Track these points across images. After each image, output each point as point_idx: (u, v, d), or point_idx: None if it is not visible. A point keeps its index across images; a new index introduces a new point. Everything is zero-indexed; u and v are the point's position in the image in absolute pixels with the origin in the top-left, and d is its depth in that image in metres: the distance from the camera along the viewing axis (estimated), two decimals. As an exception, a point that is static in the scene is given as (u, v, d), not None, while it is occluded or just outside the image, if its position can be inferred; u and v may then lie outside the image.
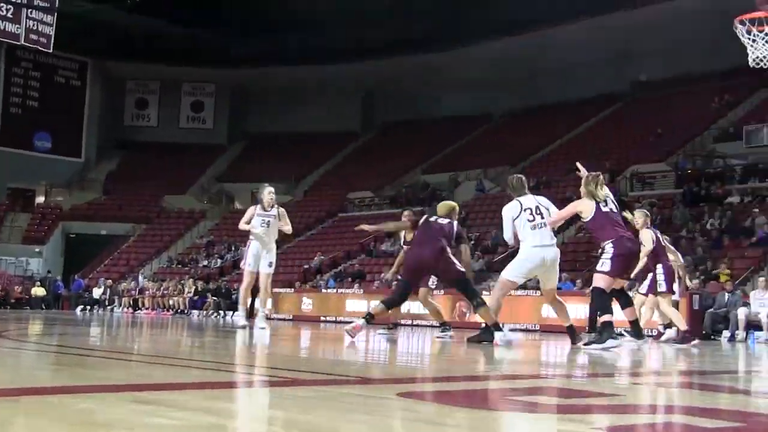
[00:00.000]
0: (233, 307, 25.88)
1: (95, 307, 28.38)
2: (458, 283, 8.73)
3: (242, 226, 11.01)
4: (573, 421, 2.90)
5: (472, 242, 26.37)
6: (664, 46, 34.44)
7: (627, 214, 9.42)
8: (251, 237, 10.88)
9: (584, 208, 8.03)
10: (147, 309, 27.11)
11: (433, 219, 8.83)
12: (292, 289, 25.66)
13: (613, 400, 3.61)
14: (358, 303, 22.69)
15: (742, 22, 11.28)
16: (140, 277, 30.92)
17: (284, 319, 22.84)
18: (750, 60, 11.45)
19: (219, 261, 33.01)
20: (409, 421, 2.69)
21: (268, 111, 45.06)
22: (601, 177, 8.29)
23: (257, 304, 11.45)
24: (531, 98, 39.06)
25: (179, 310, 26.42)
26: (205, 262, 33.11)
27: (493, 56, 37.97)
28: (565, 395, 3.72)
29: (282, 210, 11.10)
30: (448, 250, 8.54)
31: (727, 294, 16.52)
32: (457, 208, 9.53)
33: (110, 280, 30.50)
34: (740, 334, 16.08)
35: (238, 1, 38.88)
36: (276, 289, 25.63)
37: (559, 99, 38.07)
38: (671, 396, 4.09)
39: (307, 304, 23.88)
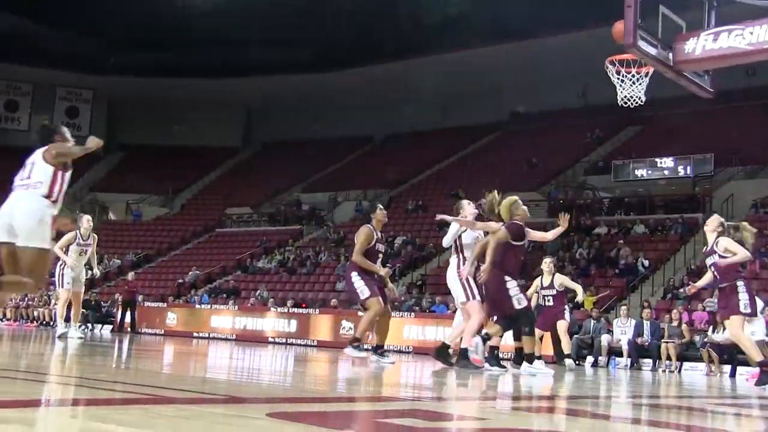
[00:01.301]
0: (103, 319, 25.05)
1: (-49, 317, 26.85)
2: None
3: (57, 251, 11.69)
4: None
5: (349, 262, 26.52)
6: (541, 79, 35.69)
7: None
8: (67, 261, 12.10)
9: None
10: (8, 320, 25.85)
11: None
12: (165, 304, 25.06)
13: (482, 424, 3.69)
14: (228, 319, 22.39)
15: (612, 63, 11.83)
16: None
17: (154, 334, 22.26)
18: (619, 99, 12.02)
19: (89, 272, 31.85)
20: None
21: (147, 122, 43.98)
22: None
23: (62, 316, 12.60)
24: (411, 123, 39.72)
25: (44, 322, 25.31)
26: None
27: (375, 80, 38.38)
28: (434, 418, 3.78)
29: (95, 237, 12.51)
30: None
31: (592, 321, 17.20)
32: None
33: (-31, 290, 28.93)
34: (602, 359, 16.76)
35: (120, 11, 37.84)
36: (147, 303, 25.01)
37: (439, 125, 38.91)
38: (531, 421, 4.21)
39: (176, 319, 23.38)
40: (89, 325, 24.60)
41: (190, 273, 29.66)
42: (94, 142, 6.40)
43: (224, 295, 26.23)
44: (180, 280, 29.28)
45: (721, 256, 8.76)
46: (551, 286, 12.66)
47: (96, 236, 12.60)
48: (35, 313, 25.88)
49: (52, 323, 25.09)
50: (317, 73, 39.11)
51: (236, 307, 23.49)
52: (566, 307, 13.26)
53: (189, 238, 35.29)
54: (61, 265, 12.23)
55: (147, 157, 42.08)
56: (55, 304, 25.94)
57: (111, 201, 40.71)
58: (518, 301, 8.54)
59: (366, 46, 37.06)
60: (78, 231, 12.16)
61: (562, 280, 13.10)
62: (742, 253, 8.74)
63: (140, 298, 24.89)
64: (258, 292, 25.65)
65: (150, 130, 43.60)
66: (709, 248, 8.95)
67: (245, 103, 44.09)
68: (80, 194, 41.22)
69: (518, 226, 8.73)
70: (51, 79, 43.30)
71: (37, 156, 6.29)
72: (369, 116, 40.44)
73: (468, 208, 9.34)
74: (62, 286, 12.29)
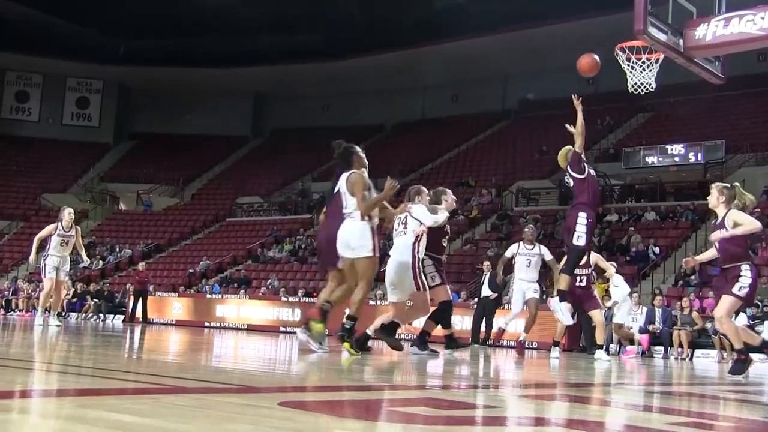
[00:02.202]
0: (114, 310, 25.18)
1: (-36, 308, 27.06)
2: None
3: (35, 242, 12.82)
4: None
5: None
6: (551, 66, 35.51)
7: None
8: (49, 252, 12.60)
9: None
10: (21, 311, 26.00)
11: None
12: (176, 294, 25.16)
13: (492, 412, 3.69)
14: (239, 309, 22.46)
15: (622, 50, 11.76)
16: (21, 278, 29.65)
17: (165, 324, 22.35)
18: (629, 86, 11.94)
19: (101, 262, 32.01)
20: (286, 431, 2.68)
21: (157, 111, 44.08)
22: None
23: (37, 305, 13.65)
24: (421, 111, 39.60)
25: (56, 313, 25.44)
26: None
27: (385, 68, 38.31)
28: (446, 407, 3.78)
29: (78, 229, 12.97)
30: None
31: (604, 309, 17.16)
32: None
33: (-19, 280, 29.20)
34: (613, 347, 16.74)
35: (130, 0, 37.85)
36: (158, 293, 25.12)
37: (450, 113, 38.79)
38: (540, 408, 4.21)
39: (187, 309, 23.47)
40: (101, 315, 24.74)
41: (201, 263, 29.75)
42: (389, 186, 7.69)
43: (235, 285, 26.31)
44: (191, 270, 29.38)
45: (727, 231, 7.86)
46: (587, 264, 11.38)
47: (79, 228, 13.05)
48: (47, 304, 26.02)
49: (64, 314, 25.26)
50: (327, 61, 39.07)
51: (247, 296, 23.56)
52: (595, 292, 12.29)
53: (199, 228, 35.38)
54: (44, 257, 12.78)
55: (157, 146, 42.19)
56: (67, 294, 26.24)
57: (121, 191, 40.85)
58: (432, 279, 8.74)
59: (376, 34, 36.96)
60: (59, 223, 12.66)
61: (596, 259, 12.14)
62: (750, 224, 7.80)
63: (151, 288, 25.00)
64: (269, 281, 25.72)
65: (160, 120, 43.70)
66: (719, 221, 8.02)
67: (255, 91, 44.06)
68: (90, 184, 41.37)
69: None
70: (61, 69, 43.37)
71: (343, 184, 7.65)
72: (379, 104, 40.40)
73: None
74: (45, 276, 12.79)
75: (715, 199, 8.04)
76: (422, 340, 8.85)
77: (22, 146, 41.61)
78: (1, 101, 44.41)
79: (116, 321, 23.64)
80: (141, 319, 22.71)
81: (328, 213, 7.86)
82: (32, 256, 12.97)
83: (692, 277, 20.45)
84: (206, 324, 22.07)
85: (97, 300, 25.68)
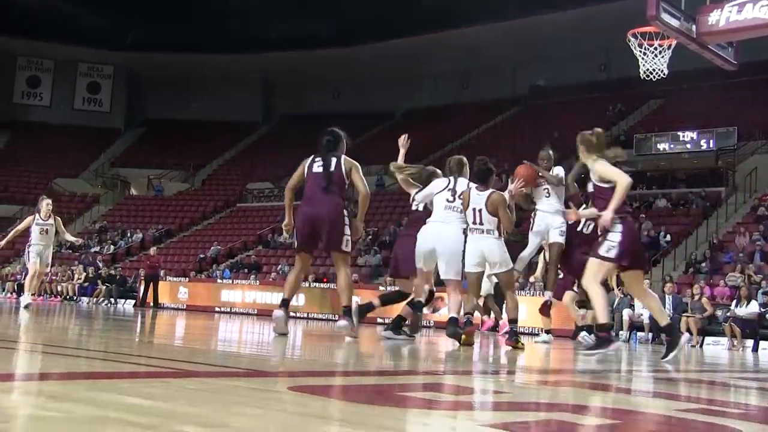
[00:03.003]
0: (126, 294, 25.31)
1: (-24, 291, 27.27)
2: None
3: (11, 235, 13.99)
4: (461, 418, 2.97)
5: (370, 237, 26.58)
6: (561, 53, 35.37)
7: None
8: (31, 240, 13.27)
9: None
10: (33, 295, 26.11)
11: None
12: (187, 279, 25.26)
13: (501, 397, 3.70)
14: (250, 294, 22.54)
15: (634, 36, 11.71)
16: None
17: (176, 309, 22.45)
18: (641, 72, 11.90)
19: (112, 247, 32.15)
20: (296, 415, 2.69)
21: (167, 97, 44.12)
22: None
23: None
24: (432, 98, 39.49)
25: (68, 297, 25.62)
26: (97, 248, 32.18)
27: (395, 55, 38.20)
28: (455, 392, 3.80)
29: (58, 219, 13.59)
30: None
31: (616, 297, 17.15)
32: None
33: (-6, 264, 29.40)
34: (624, 334, 16.73)
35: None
36: (169, 278, 25.22)
37: (460, 100, 38.69)
38: (555, 394, 4.22)
39: (198, 294, 23.57)
40: (112, 299, 24.88)
41: (212, 248, 29.85)
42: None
43: (245, 270, 26.38)
44: (201, 255, 29.47)
45: (596, 186, 7.04)
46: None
47: (59, 218, 13.80)
48: (59, 288, 26.19)
49: (75, 297, 25.43)
50: (338, 47, 38.97)
51: (257, 281, 23.64)
52: None
53: (210, 214, 35.46)
54: (27, 245, 13.57)
55: (168, 132, 42.24)
56: (78, 279, 26.42)
57: (132, 176, 40.97)
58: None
59: (386, 21, 36.86)
60: (38, 213, 13.34)
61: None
62: (617, 176, 6.85)
63: (162, 272, 25.10)
64: (279, 266, 25.78)
65: (171, 105, 43.75)
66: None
67: (265, 77, 44.02)
68: (102, 169, 41.50)
69: None
70: (72, 54, 43.41)
71: (480, 203, 8.00)
72: (389, 91, 40.32)
73: None
74: (29, 261, 13.53)
75: (579, 152, 7.29)
76: (397, 324, 8.72)
77: (34, 131, 41.74)
78: (13, 86, 44.52)
79: (127, 305, 23.76)
80: (152, 304, 22.82)
81: (315, 189, 7.68)
82: (2, 243, 14.04)
83: (703, 265, 20.41)
84: (216, 309, 22.15)
85: (108, 284, 25.81)
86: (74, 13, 40.14)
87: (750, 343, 15.69)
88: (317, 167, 7.71)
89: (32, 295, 13.84)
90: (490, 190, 8.07)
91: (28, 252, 13.49)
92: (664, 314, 7.42)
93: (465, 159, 8.62)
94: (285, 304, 7.84)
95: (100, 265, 28.20)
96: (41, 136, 41.33)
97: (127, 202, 38.63)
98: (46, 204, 13.37)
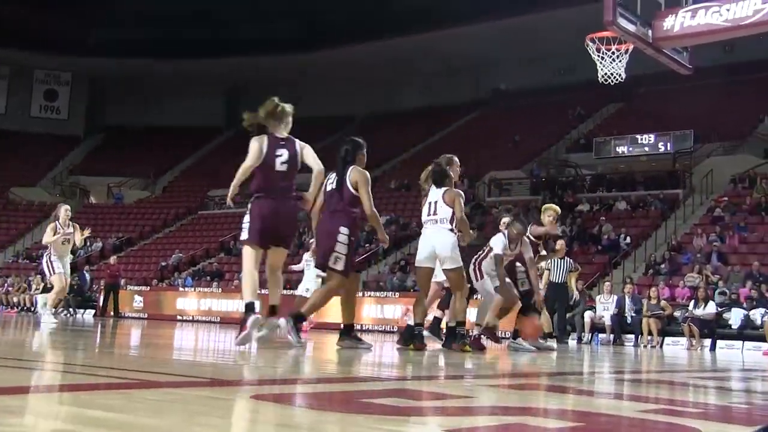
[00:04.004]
0: (85, 304, 24.95)
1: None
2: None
3: (47, 237, 12.72)
4: (425, 423, 2.97)
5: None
6: (524, 57, 35.67)
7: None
8: (51, 251, 12.57)
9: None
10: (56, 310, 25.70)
11: None
12: (147, 287, 25.01)
13: (461, 401, 3.71)
14: (212, 302, 22.38)
15: (592, 40, 11.85)
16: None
17: (137, 318, 22.20)
18: (599, 76, 12.04)
19: (71, 256, 31.66)
20: (259, 424, 2.68)
21: (127, 103, 43.66)
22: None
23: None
24: (393, 102, 39.58)
25: (25, 308, 25.20)
26: (55, 258, 31.67)
27: (358, 59, 38.25)
28: (420, 397, 3.80)
29: (76, 225, 12.95)
30: None
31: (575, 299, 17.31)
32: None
33: (-52, 275, 28.80)
34: (586, 336, 16.89)
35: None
36: (130, 287, 24.94)
37: (421, 104, 38.82)
38: (517, 397, 4.25)
39: (159, 302, 23.36)
40: (71, 309, 24.52)
41: (173, 256, 29.59)
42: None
43: (208, 278, 26.19)
44: (163, 263, 29.20)
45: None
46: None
47: (77, 225, 12.99)
48: (15, 299, 25.76)
49: (32, 309, 25.00)
50: (300, 53, 38.94)
51: (220, 289, 23.48)
52: None
53: (171, 221, 35.17)
54: (47, 254, 12.71)
55: (128, 139, 41.84)
56: (36, 289, 25.97)
57: (92, 184, 40.46)
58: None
59: (348, 26, 36.89)
60: (57, 221, 12.57)
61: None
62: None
63: (123, 281, 24.81)
64: (241, 274, 25.61)
65: (131, 112, 43.32)
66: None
67: (228, 82, 43.78)
68: (60, 177, 40.93)
69: None
70: (28, 61, 42.76)
71: (437, 196, 8.21)
72: (350, 96, 40.32)
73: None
74: (54, 273, 12.61)
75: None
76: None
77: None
78: (-33, 94, 43.77)
79: (87, 315, 23.44)
80: (112, 314, 22.55)
81: (328, 207, 7.76)
82: (57, 249, 12.69)
83: (662, 266, 20.68)
84: (179, 318, 21.96)
85: (67, 294, 25.43)
86: (31, 18, 39.55)
87: (708, 342, 15.94)
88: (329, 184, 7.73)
89: (53, 309, 13.06)
90: (447, 188, 8.26)
91: (50, 264, 12.59)
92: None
93: (435, 167, 8.70)
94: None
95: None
96: (-5, 142, 40.66)
97: (86, 210, 38.14)
98: (64, 210, 12.72)
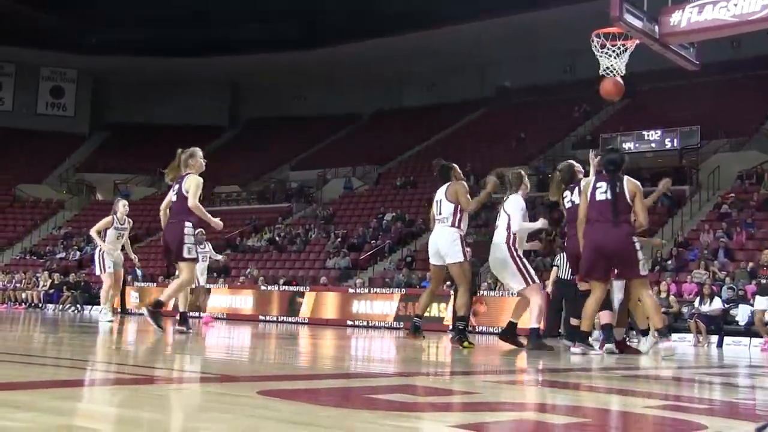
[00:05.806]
0: (91, 301, 24.97)
1: (-62, 300, 26.76)
2: None
3: (92, 234, 12.45)
4: (430, 419, 2.97)
5: (339, 239, 26.53)
6: (529, 54, 35.58)
7: None
8: (104, 246, 12.08)
9: None
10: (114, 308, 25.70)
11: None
12: (155, 284, 25.03)
13: (471, 398, 3.71)
14: (219, 298, 22.40)
15: (597, 36, 11.79)
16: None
17: (143, 314, 22.21)
18: (600, 70, 11.96)
19: (78, 253, 31.76)
20: (265, 420, 2.68)
21: (133, 101, 43.70)
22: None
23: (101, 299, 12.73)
24: (399, 100, 39.55)
25: (32, 304, 25.26)
26: (63, 254, 31.79)
27: (362, 57, 38.21)
28: (425, 393, 3.80)
29: (130, 220, 12.71)
30: None
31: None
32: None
33: (-44, 272, 28.87)
34: (595, 333, 16.84)
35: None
36: (138, 283, 24.97)
37: (427, 102, 38.78)
38: (525, 394, 4.24)
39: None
40: (78, 305, 24.58)
41: (180, 253, 29.57)
42: (490, 185, 8.82)
43: (214, 274, 26.20)
44: (169, 260, 29.20)
45: None
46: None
47: (132, 221, 12.74)
48: (23, 296, 25.82)
49: (41, 305, 25.07)
50: (304, 50, 38.90)
51: (226, 285, 23.50)
52: None
53: (178, 218, 35.14)
54: (99, 250, 12.25)
55: (133, 136, 41.86)
56: (43, 286, 26.04)
57: (98, 181, 40.50)
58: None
59: (352, 23, 36.86)
60: (114, 215, 12.18)
61: None
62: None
63: (129, 278, 24.81)
64: (248, 270, 25.65)
65: (136, 109, 43.36)
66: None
67: (232, 80, 43.81)
68: (66, 175, 41.00)
69: None
70: (35, 58, 42.82)
71: (441, 194, 8.39)
72: (356, 93, 40.31)
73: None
74: (104, 271, 12.17)
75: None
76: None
77: (-5, 135, 41.13)
78: (-27, 91, 43.87)
79: (94, 312, 23.48)
80: (119, 310, 22.55)
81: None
82: (108, 246, 12.22)
83: (669, 262, 20.62)
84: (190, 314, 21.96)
85: (73, 291, 25.49)
86: (36, 16, 39.60)
87: (715, 338, 15.91)
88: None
89: (113, 308, 12.60)
90: (450, 182, 8.45)
91: (102, 260, 12.15)
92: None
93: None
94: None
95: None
96: (4, 141, 40.73)
97: (92, 207, 38.16)
98: (123, 205, 12.34)
